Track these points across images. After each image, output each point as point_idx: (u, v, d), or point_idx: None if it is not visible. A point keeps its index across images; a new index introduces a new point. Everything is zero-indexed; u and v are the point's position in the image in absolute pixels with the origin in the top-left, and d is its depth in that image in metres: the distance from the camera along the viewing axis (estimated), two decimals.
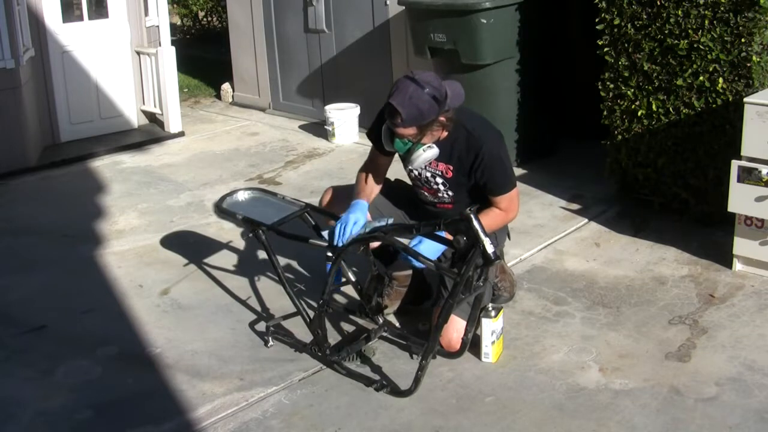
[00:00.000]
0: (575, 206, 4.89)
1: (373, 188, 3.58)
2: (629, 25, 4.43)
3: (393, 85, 3.18)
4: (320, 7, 6.81)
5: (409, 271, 3.70)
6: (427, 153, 3.29)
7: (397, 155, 3.50)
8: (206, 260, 4.45)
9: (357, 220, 3.25)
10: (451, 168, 3.40)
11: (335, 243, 3.22)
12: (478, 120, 3.43)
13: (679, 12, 4.24)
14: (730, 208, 3.89)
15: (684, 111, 4.35)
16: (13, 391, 3.33)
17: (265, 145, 6.64)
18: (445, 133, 3.31)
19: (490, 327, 3.31)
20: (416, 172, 3.52)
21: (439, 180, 3.47)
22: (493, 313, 3.34)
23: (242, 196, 3.80)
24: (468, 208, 2.93)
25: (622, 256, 4.24)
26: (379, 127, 3.39)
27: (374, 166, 3.61)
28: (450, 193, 3.49)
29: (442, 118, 3.18)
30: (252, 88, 7.75)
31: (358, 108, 6.54)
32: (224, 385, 3.29)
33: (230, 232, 4.70)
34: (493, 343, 3.34)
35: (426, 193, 3.57)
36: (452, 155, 3.36)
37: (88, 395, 3.27)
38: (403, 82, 3.14)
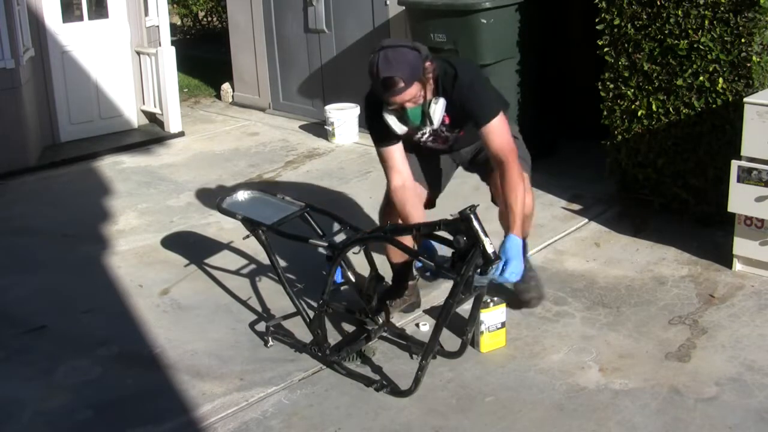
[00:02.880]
0: (575, 206, 4.89)
1: (417, 208, 3.39)
2: (629, 25, 4.43)
3: (369, 65, 3.15)
4: (320, 7, 6.81)
5: (414, 282, 3.75)
6: (439, 104, 3.18)
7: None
8: (206, 260, 4.45)
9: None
10: (447, 115, 3.29)
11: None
12: (452, 60, 3.36)
13: (679, 12, 4.24)
14: (730, 208, 3.89)
15: (684, 111, 4.35)
16: (13, 391, 3.33)
17: (265, 145, 6.64)
18: (433, 85, 3.20)
19: (482, 317, 3.37)
20: (424, 134, 3.41)
21: (443, 128, 3.38)
22: (490, 305, 3.38)
23: (242, 196, 3.80)
24: (467, 208, 2.93)
25: (622, 256, 4.24)
26: (379, 124, 3.30)
27: (400, 161, 3.38)
28: (456, 130, 3.42)
29: (427, 63, 3.12)
30: (252, 88, 7.75)
31: (358, 108, 6.53)
32: (224, 385, 3.29)
33: (230, 232, 4.70)
34: (482, 333, 3.38)
35: (439, 144, 3.49)
36: (446, 96, 3.25)
37: (88, 395, 3.27)
38: (377, 55, 3.11)
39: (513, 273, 3.00)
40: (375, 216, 4.79)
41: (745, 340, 3.43)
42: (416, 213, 3.32)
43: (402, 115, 3.20)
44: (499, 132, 3.20)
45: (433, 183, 3.64)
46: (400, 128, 3.23)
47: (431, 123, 3.21)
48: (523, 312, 3.72)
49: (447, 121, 3.33)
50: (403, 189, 3.35)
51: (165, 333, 3.73)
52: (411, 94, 3.11)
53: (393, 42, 3.17)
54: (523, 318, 3.67)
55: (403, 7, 5.70)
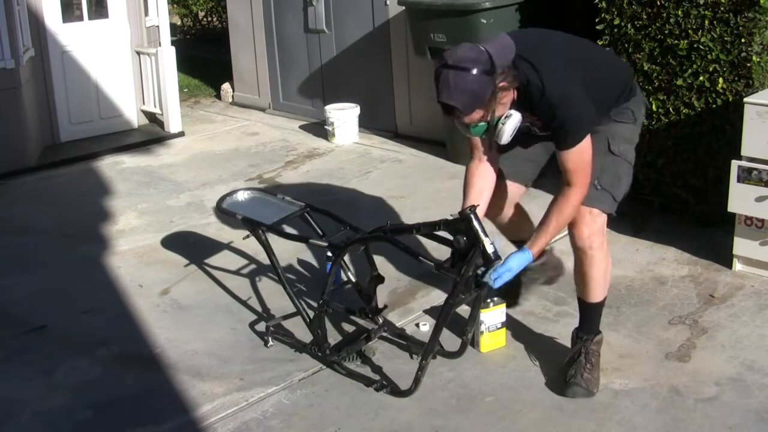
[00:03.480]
0: None
1: (483, 182, 3.11)
2: (629, 25, 4.43)
3: (435, 79, 2.77)
4: (320, 7, 6.81)
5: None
6: (508, 125, 2.81)
7: None
8: (206, 260, 4.45)
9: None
10: (537, 118, 2.95)
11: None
12: (541, 64, 2.84)
13: (679, 12, 4.24)
14: (730, 208, 3.89)
15: (684, 111, 4.35)
16: (13, 391, 3.33)
17: (265, 145, 6.64)
18: (513, 93, 2.83)
19: (482, 317, 3.36)
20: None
21: (535, 129, 3.03)
22: (490, 305, 3.37)
23: (242, 196, 3.80)
24: (467, 207, 2.92)
25: (622, 256, 4.24)
26: None
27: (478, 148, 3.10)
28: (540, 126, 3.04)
29: (501, 84, 2.74)
30: (252, 88, 7.75)
31: (358, 108, 6.54)
32: (224, 385, 3.29)
33: (230, 232, 4.70)
34: (482, 333, 3.38)
35: (531, 127, 3.05)
36: (532, 106, 2.88)
37: (88, 395, 3.27)
38: (441, 74, 2.73)
39: (498, 280, 2.89)
40: (375, 216, 4.80)
41: (745, 340, 3.43)
42: (472, 195, 3.06)
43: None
44: (576, 159, 2.87)
45: (514, 171, 3.25)
46: (466, 133, 2.90)
47: (499, 140, 2.86)
48: (523, 312, 3.72)
49: (540, 124, 2.97)
50: (475, 166, 3.10)
51: (165, 333, 3.73)
52: (471, 119, 2.78)
53: (461, 58, 2.71)
54: (523, 318, 3.67)
55: (403, 7, 5.70)
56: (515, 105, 2.86)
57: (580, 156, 2.86)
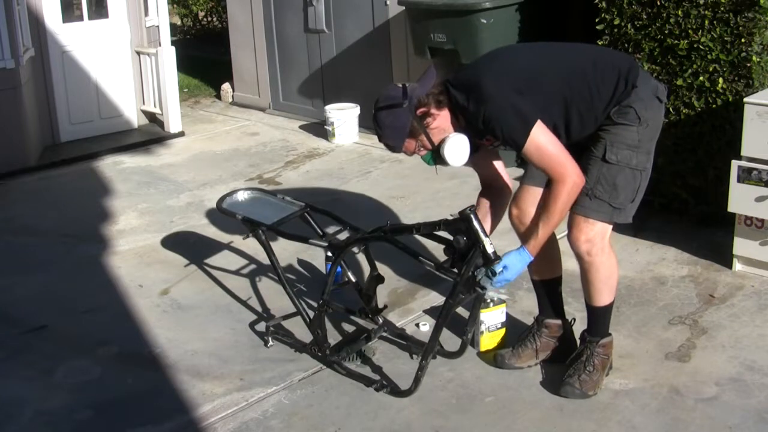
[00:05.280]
0: None
1: (484, 207, 3.18)
2: (629, 25, 4.43)
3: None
4: (320, 7, 6.81)
5: (560, 321, 3.33)
6: (446, 148, 2.88)
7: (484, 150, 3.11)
8: (206, 260, 4.45)
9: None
10: (489, 137, 2.96)
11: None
12: (470, 80, 2.90)
13: (679, 12, 4.24)
14: (730, 208, 3.89)
15: (684, 111, 4.35)
16: (13, 391, 3.33)
17: (265, 145, 6.64)
18: (445, 117, 2.91)
19: (482, 317, 3.36)
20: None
21: (501, 146, 3.04)
22: (490, 305, 3.37)
23: (242, 196, 3.80)
24: (467, 207, 2.92)
25: (622, 256, 4.23)
26: None
27: (481, 181, 3.25)
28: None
29: (421, 111, 2.87)
30: (252, 88, 7.76)
31: (358, 108, 6.54)
32: (224, 385, 3.29)
33: (230, 232, 4.70)
34: (482, 333, 3.38)
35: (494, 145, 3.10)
36: (479, 127, 2.91)
37: (88, 395, 3.27)
38: (373, 118, 2.95)
39: (500, 282, 2.89)
40: (375, 216, 4.80)
41: (745, 340, 3.43)
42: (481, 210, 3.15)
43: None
44: (536, 156, 2.84)
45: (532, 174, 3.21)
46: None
47: (451, 165, 2.95)
48: (523, 312, 3.72)
49: (496, 142, 2.97)
50: (480, 200, 3.21)
51: (165, 333, 3.73)
52: (410, 149, 2.96)
53: (380, 100, 2.92)
54: (523, 318, 3.67)
55: (403, 7, 5.70)
56: (465, 128, 2.93)
57: (538, 151, 2.83)
